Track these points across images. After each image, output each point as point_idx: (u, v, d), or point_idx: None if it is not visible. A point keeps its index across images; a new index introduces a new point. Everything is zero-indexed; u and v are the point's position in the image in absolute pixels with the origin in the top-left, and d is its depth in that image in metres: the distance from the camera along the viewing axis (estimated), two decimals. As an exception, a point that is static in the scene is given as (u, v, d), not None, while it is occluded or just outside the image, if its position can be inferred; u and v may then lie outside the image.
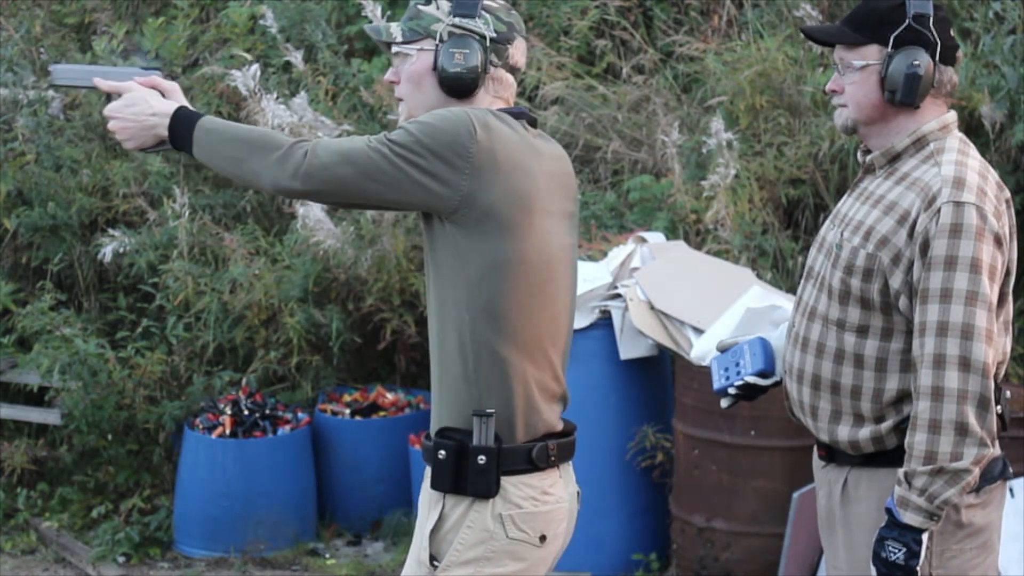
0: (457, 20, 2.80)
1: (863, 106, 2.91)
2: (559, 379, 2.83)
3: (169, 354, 6.08)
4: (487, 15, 2.80)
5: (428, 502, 2.81)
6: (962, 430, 2.73)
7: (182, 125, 2.80)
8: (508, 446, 2.73)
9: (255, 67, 6.23)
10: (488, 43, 2.79)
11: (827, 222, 3.05)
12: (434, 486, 2.78)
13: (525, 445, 2.75)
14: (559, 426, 2.83)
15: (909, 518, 2.75)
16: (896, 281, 2.81)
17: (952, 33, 2.90)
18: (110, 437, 5.94)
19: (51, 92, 6.75)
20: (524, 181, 2.71)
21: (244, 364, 6.09)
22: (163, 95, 2.88)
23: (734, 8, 6.92)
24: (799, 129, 6.12)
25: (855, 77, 2.90)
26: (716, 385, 3.17)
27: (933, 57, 2.85)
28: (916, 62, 2.83)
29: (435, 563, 2.75)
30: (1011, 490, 4.44)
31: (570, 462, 2.88)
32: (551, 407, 2.81)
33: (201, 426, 5.69)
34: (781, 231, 5.92)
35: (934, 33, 2.85)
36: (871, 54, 2.88)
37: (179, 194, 6.19)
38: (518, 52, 2.85)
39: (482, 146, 2.67)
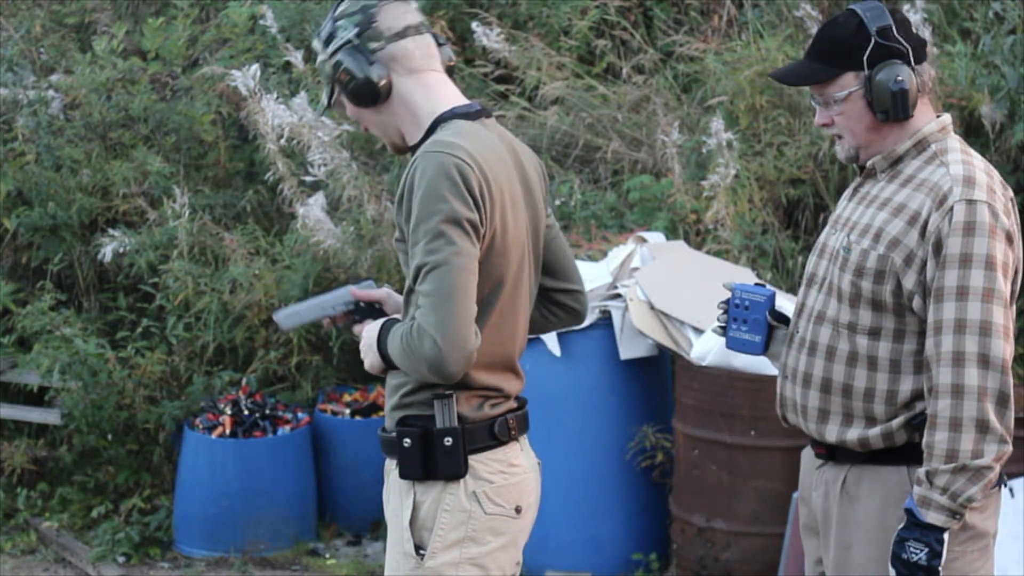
0: (325, 48, 2.84)
1: (858, 132, 2.90)
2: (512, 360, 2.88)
3: (169, 354, 6.08)
4: (341, 21, 2.82)
5: (398, 494, 2.83)
6: (983, 427, 2.72)
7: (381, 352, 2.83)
8: (471, 424, 2.78)
9: (255, 67, 6.23)
10: (353, 45, 2.80)
11: (827, 228, 3.03)
12: (403, 475, 2.81)
13: (487, 421, 2.80)
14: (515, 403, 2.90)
15: (932, 517, 2.75)
16: (909, 281, 2.80)
17: (915, 31, 2.89)
18: (110, 437, 5.94)
19: (51, 92, 6.75)
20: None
21: (244, 364, 6.09)
22: (382, 307, 2.98)
23: (734, 8, 6.92)
24: (799, 129, 6.12)
25: (841, 108, 2.88)
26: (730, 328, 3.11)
27: (909, 64, 2.84)
28: (900, 77, 2.82)
29: (421, 552, 2.78)
30: (1011, 490, 4.44)
31: (526, 435, 2.93)
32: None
33: (201, 426, 5.69)
34: (781, 231, 5.92)
35: (902, 41, 2.84)
36: (849, 82, 2.86)
37: (179, 194, 6.19)
38: (389, 18, 2.81)
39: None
